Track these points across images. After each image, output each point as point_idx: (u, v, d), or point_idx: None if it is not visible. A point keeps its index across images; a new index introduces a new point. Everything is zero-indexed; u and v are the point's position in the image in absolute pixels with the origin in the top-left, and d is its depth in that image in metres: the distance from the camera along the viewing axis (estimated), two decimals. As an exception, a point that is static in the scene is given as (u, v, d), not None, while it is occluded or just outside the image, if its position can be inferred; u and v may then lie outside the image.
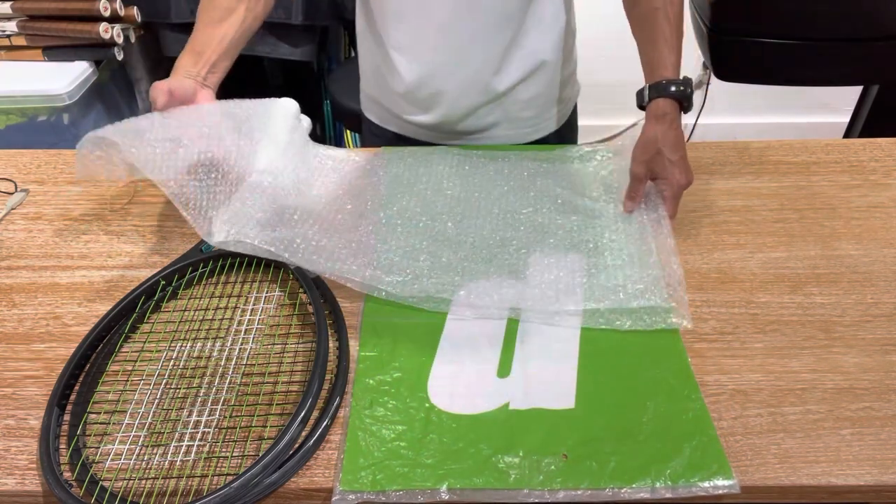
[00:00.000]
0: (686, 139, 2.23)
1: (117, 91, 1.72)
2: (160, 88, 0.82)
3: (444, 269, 0.79)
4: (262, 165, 0.84)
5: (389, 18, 0.96)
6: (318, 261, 0.76)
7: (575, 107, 1.13)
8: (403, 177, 0.93)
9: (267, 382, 0.68)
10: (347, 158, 0.98)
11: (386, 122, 1.09)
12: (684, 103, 0.85)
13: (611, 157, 0.97)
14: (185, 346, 0.72)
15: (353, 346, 0.71)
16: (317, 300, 0.73)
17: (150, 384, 0.68)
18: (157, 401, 0.66)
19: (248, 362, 0.70)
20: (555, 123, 1.08)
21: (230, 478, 0.57)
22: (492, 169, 0.95)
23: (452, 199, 0.89)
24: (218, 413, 0.65)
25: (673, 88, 0.84)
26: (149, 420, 0.65)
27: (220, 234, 0.76)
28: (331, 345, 0.70)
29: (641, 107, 0.88)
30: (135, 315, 0.74)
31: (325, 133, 2.04)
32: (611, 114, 2.42)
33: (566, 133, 1.11)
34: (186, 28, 1.66)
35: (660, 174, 0.85)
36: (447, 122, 1.02)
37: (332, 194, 0.90)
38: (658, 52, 0.87)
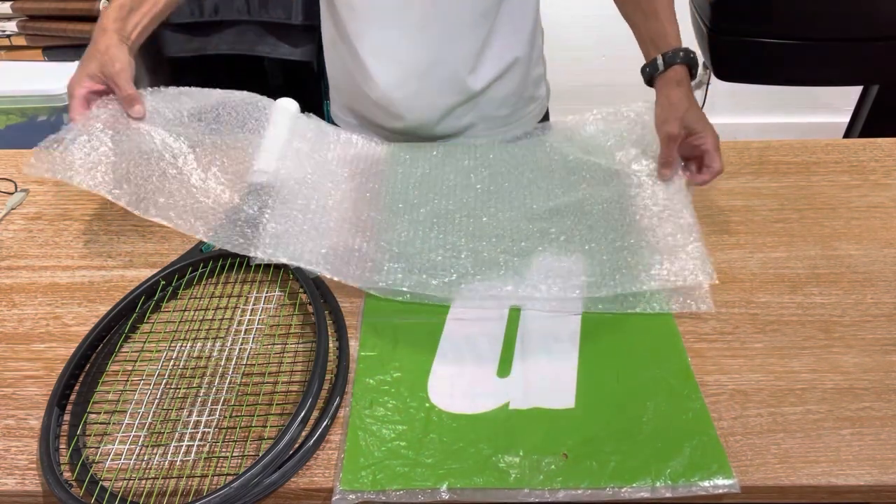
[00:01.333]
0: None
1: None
2: (79, 95, 0.82)
3: (488, 265, 0.78)
4: (262, 165, 0.84)
5: (362, 24, 0.95)
6: (364, 275, 0.76)
7: (547, 110, 1.13)
8: (431, 175, 0.92)
9: (267, 382, 0.68)
10: (358, 152, 0.95)
11: (361, 131, 1.07)
12: (693, 71, 0.87)
13: (625, 119, 0.96)
14: (185, 346, 0.72)
15: (353, 346, 0.71)
16: (317, 300, 0.73)
17: (150, 384, 0.68)
18: (157, 401, 0.66)
19: (248, 362, 0.70)
20: (529, 123, 1.08)
21: (230, 478, 0.57)
22: (517, 154, 0.94)
23: (483, 193, 0.88)
24: (218, 413, 0.65)
25: (682, 55, 0.85)
26: (149, 420, 0.65)
27: (265, 254, 0.74)
28: (331, 345, 0.70)
29: (650, 81, 0.89)
30: (135, 315, 0.74)
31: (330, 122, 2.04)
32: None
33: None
34: (187, 28, 1.68)
35: (696, 128, 0.84)
36: (424, 125, 1.01)
37: (357, 196, 0.87)
38: (661, 25, 0.88)
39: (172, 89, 0.88)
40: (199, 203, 0.78)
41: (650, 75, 0.88)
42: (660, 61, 0.87)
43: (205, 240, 0.77)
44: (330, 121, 1.14)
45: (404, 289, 0.75)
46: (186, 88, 0.89)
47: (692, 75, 0.87)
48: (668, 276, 0.76)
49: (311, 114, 0.95)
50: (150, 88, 0.87)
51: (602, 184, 0.88)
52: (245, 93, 0.91)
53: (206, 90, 0.90)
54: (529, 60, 1.03)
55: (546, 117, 1.13)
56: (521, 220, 0.84)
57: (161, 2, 0.88)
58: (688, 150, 0.86)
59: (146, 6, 0.86)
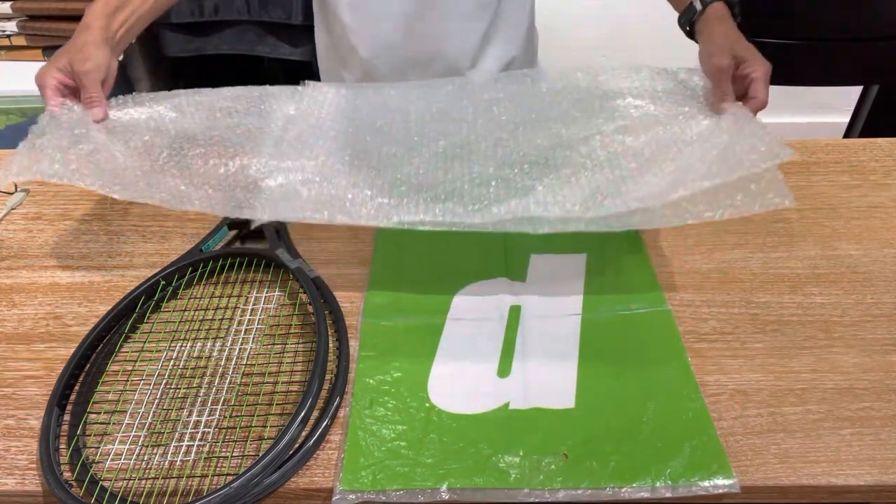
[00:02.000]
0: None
1: (117, 91, 1.72)
2: (50, 85, 0.76)
3: (523, 192, 0.72)
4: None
5: (357, 14, 0.94)
6: (381, 213, 0.69)
7: None
8: (447, 109, 0.86)
9: (267, 382, 0.68)
10: (362, 101, 0.89)
11: None
12: (735, 9, 0.83)
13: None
14: (185, 346, 0.72)
15: (353, 346, 0.71)
16: (317, 300, 0.73)
17: (150, 384, 0.68)
18: (157, 401, 0.66)
19: (248, 362, 0.70)
20: None
21: (230, 478, 0.57)
22: (543, 89, 0.88)
23: (510, 123, 0.82)
24: (218, 413, 0.65)
25: None
26: (149, 420, 0.65)
27: (265, 214, 0.70)
28: (331, 345, 0.70)
29: (689, 25, 0.84)
30: (135, 315, 0.74)
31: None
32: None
33: None
34: (187, 28, 1.68)
35: (746, 56, 0.78)
36: None
37: (363, 136, 0.82)
38: None
39: (151, 95, 0.86)
40: (190, 183, 0.75)
41: (689, 20, 0.84)
42: (696, 3, 0.83)
43: (198, 209, 0.72)
44: None
45: (427, 219, 0.69)
46: (172, 92, 0.87)
47: (732, 12, 0.83)
48: (738, 160, 0.67)
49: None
50: (121, 98, 0.85)
51: (651, 117, 0.80)
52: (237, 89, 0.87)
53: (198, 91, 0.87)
54: (526, 61, 1.03)
55: None
56: (557, 148, 0.77)
57: (150, 1, 0.85)
58: (736, 86, 0.79)
59: (134, 3, 0.83)
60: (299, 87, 0.88)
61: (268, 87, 0.87)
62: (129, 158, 0.76)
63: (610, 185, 0.71)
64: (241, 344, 0.72)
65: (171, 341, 0.72)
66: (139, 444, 0.63)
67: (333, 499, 0.58)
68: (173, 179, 0.75)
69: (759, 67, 0.77)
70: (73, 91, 0.79)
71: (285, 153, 0.78)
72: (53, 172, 0.71)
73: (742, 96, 0.78)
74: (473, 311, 0.75)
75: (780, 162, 0.68)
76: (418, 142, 0.80)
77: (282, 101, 0.87)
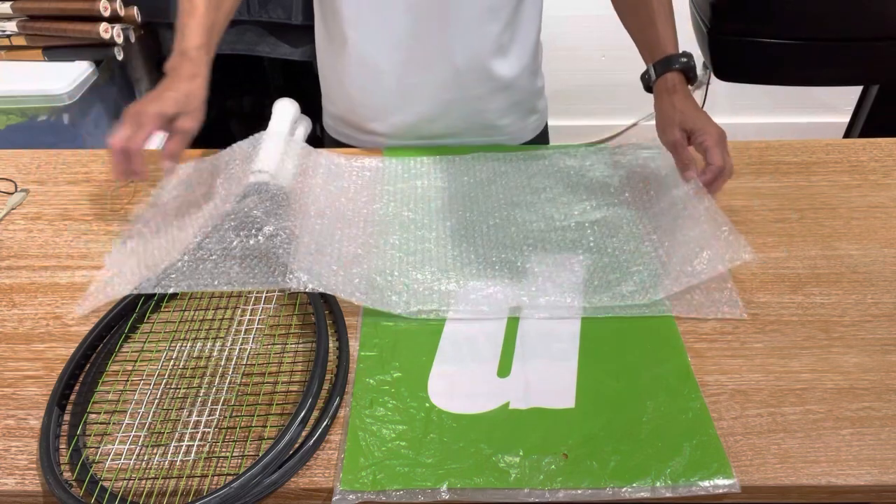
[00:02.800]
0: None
1: (117, 91, 1.72)
2: (147, 132, 0.77)
3: (521, 274, 0.78)
4: (262, 165, 0.84)
5: (363, 35, 0.94)
6: (400, 302, 0.75)
7: (546, 124, 1.13)
8: (452, 187, 0.92)
9: (267, 382, 0.68)
10: (362, 167, 0.96)
11: (355, 141, 1.06)
12: (690, 75, 0.86)
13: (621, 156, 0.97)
14: (185, 346, 0.72)
15: (353, 346, 0.71)
16: (317, 300, 0.73)
17: (150, 384, 0.68)
18: (157, 401, 0.66)
19: (248, 362, 0.70)
20: (528, 134, 1.08)
21: (230, 478, 0.57)
22: (532, 168, 0.95)
23: (508, 204, 0.89)
24: (218, 413, 0.65)
25: (677, 64, 0.86)
26: (149, 420, 0.65)
27: (296, 283, 0.74)
28: (331, 345, 0.70)
29: (649, 88, 0.89)
30: (135, 315, 0.74)
31: (324, 133, 2.04)
32: (608, 115, 2.42)
33: (539, 143, 1.12)
34: (186, 28, 1.67)
35: (694, 128, 0.83)
36: (422, 120, 1.00)
37: (376, 219, 0.87)
38: (656, 32, 0.88)
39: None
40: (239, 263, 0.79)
41: (647, 84, 0.90)
42: (651, 71, 0.88)
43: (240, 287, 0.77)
44: (323, 129, 1.13)
45: (449, 314, 0.74)
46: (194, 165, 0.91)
47: (690, 79, 0.87)
48: (707, 266, 0.75)
49: (306, 145, 0.94)
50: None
51: (622, 204, 0.89)
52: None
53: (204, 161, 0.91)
54: (532, 72, 1.02)
55: (545, 131, 1.13)
56: (550, 231, 0.84)
57: (226, 8, 0.86)
58: (700, 153, 0.84)
59: (221, 18, 0.84)
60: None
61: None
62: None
63: (600, 278, 0.78)
64: (241, 344, 0.72)
65: (171, 341, 0.72)
66: (139, 444, 0.63)
67: (333, 499, 0.58)
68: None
69: (708, 136, 0.81)
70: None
71: (311, 230, 0.82)
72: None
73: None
74: (473, 312, 0.75)
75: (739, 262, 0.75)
76: (428, 224, 0.86)
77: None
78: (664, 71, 0.86)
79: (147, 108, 0.77)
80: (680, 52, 0.88)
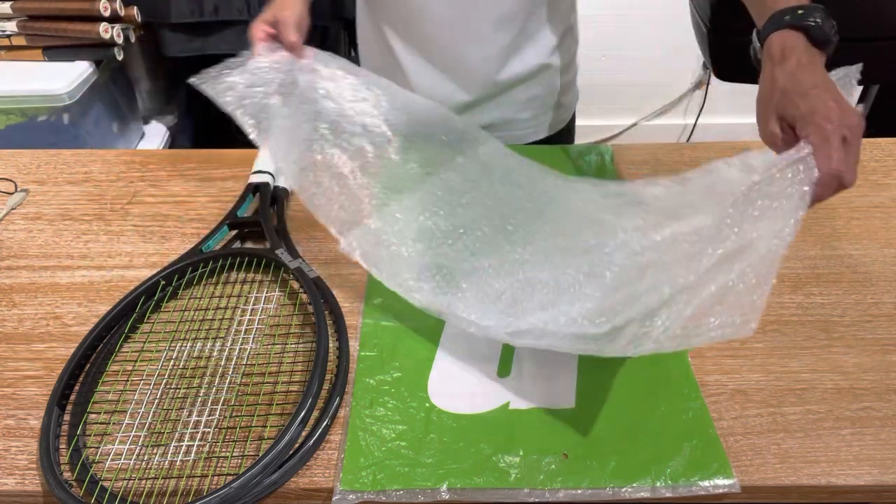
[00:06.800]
0: (686, 139, 2.23)
1: (117, 91, 1.72)
2: (258, 38, 0.84)
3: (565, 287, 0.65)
4: (262, 166, 0.84)
5: (397, 26, 0.96)
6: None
7: (573, 114, 1.13)
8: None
9: (267, 382, 0.68)
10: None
11: None
12: (813, 34, 0.61)
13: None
14: (185, 346, 0.72)
15: (353, 346, 0.71)
16: (317, 300, 0.73)
17: (150, 384, 0.68)
18: (157, 401, 0.66)
19: (248, 362, 0.70)
20: (551, 128, 1.09)
21: (230, 478, 0.57)
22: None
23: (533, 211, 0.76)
24: (218, 413, 0.65)
25: (788, 17, 0.61)
26: (149, 420, 0.65)
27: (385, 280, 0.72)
28: (331, 345, 0.70)
29: (757, 60, 0.66)
30: (135, 315, 0.74)
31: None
32: (610, 114, 2.42)
33: (564, 138, 1.12)
34: (187, 28, 1.67)
35: (797, 115, 0.58)
36: None
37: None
38: None
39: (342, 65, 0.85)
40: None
41: (753, 58, 0.68)
42: (755, 41, 0.66)
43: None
44: None
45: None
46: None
47: (815, 41, 0.62)
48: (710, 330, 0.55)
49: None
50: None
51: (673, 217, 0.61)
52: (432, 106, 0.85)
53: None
54: (558, 68, 1.03)
55: (572, 122, 1.13)
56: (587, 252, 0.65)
57: None
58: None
59: None
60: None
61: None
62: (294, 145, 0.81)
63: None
64: (241, 344, 0.72)
65: (171, 341, 0.72)
66: (139, 444, 0.63)
67: (333, 499, 0.58)
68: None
69: (815, 128, 0.56)
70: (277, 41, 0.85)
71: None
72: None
73: None
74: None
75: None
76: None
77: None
78: (773, 29, 0.61)
79: (252, 25, 0.87)
80: (799, 4, 0.62)
